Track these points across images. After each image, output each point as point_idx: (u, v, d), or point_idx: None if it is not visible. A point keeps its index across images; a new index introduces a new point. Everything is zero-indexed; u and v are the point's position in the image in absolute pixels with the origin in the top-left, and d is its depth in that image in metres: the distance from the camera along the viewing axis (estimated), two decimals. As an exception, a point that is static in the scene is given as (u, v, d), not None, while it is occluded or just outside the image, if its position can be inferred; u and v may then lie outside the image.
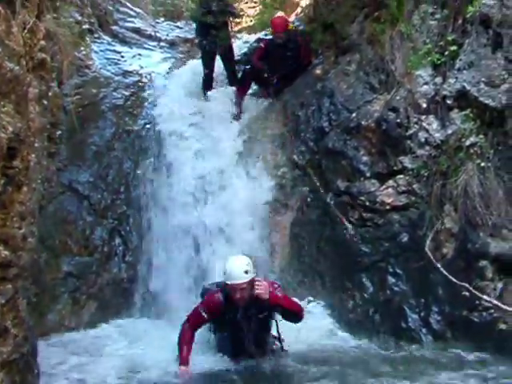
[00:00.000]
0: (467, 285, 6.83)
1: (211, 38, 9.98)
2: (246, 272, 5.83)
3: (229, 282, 5.86)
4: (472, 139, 7.30)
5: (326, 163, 8.26)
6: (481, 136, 7.26)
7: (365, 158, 7.90)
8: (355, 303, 7.50)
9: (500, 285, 6.90)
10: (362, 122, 8.00)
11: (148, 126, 9.26)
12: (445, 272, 6.94)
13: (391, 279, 7.39)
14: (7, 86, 4.36)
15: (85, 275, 7.99)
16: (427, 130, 7.49)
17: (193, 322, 6.09)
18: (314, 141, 8.54)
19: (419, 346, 6.95)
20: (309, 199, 8.28)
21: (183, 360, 6.03)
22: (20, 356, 4.96)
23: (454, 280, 6.85)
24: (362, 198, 7.73)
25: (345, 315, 7.45)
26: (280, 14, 9.97)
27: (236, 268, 5.85)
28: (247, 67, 10.23)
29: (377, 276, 7.49)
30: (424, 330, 7.05)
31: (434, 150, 7.42)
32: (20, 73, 4.64)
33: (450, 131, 7.40)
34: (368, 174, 7.81)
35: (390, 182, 7.63)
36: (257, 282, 5.90)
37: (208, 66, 10.18)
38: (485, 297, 6.76)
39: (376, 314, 7.36)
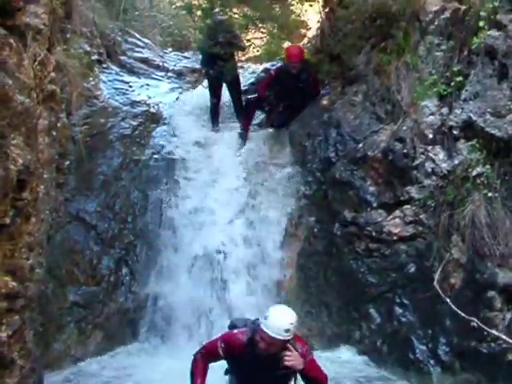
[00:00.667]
0: (475, 319, 6.76)
1: (218, 68, 10.07)
2: (287, 331, 4.83)
3: (264, 329, 4.81)
4: (479, 169, 7.30)
5: (332, 193, 8.28)
6: (487, 166, 7.26)
7: (371, 189, 7.92)
8: (362, 334, 7.47)
9: (509, 315, 6.87)
10: (369, 153, 8.03)
11: (156, 156, 9.29)
12: (453, 306, 6.86)
13: (398, 310, 7.37)
14: (18, 118, 4.41)
15: (91, 305, 7.98)
16: (434, 161, 7.50)
17: (206, 353, 5.23)
18: (321, 171, 8.58)
19: (428, 377, 6.92)
20: (315, 230, 8.30)
21: None
22: (26, 387, 4.96)
23: (462, 314, 6.79)
24: (369, 229, 7.73)
25: (352, 346, 7.42)
26: (295, 44, 10.08)
27: (280, 321, 4.84)
28: (250, 97, 10.26)
29: (384, 307, 7.47)
30: (432, 362, 7.02)
31: (441, 180, 7.43)
32: (30, 105, 4.70)
33: (456, 161, 7.41)
34: (375, 205, 7.83)
35: (397, 213, 7.63)
36: (288, 352, 4.86)
37: (215, 95, 10.26)
38: (493, 331, 6.69)
39: (384, 344, 7.33)
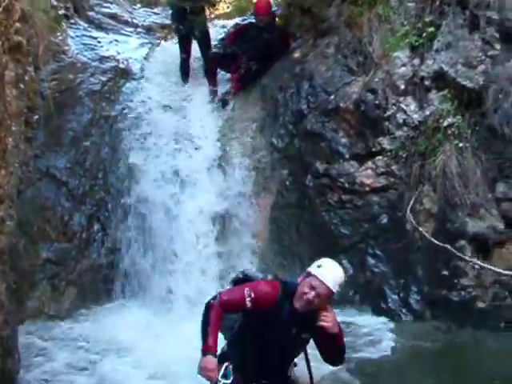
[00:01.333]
0: (448, 245, 6.90)
1: (188, 23, 9.91)
2: (340, 285, 4.54)
3: (320, 278, 4.39)
4: (450, 120, 7.36)
5: (304, 146, 8.25)
6: (458, 117, 7.33)
7: (343, 140, 7.91)
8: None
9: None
10: (341, 104, 8.00)
11: (125, 111, 9.17)
12: (427, 235, 6.99)
13: (371, 260, 7.46)
14: (-17, 66, 4.31)
15: (64, 261, 7.92)
16: (405, 112, 7.53)
17: (227, 302, 4.53)
18: (293, 124, 8.52)
19: (399, 325, 7.04)
20: (288, 182, 8.28)
21: (209, 348, 4.42)
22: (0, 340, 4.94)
23: (436, 242, 6.92)
24: (341, 180, 7.75)
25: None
26: None
27: (336, 272, 4.56)
28: (214, 52, 10.08)
29: (356, 257, 7.55)
30: (404, 310, 7.17)
31: (412, 131, 7.47)
32: (-4, 53, 4.60)
33: (427, 112, 7.45)
34: (347, 156, 7.83)
35: (369, 164, 7.67)
36: (325, 312, 4.47)
37: (185, 50, 10.12)
38: (474, 261, 6.87)
39: (356, 294, 7.41)
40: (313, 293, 4.36)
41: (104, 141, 8.77)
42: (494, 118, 7.19)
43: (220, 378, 4.45)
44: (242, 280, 4.83)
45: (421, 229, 7.14)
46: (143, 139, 8.81)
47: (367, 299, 7.34)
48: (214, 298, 4.53)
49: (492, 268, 6.77)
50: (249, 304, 4.41)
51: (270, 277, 4.93)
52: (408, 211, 7.28)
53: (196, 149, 8.83)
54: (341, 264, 7.33)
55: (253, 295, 4.42)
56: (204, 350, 4.39)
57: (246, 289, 4.46)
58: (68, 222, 8.14)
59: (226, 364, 4.55)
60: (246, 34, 9.74)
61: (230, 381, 4.50)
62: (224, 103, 9.50)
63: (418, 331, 6.87)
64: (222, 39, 10.54)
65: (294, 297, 4.46)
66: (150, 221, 8.20)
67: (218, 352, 4.50)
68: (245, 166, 8.56)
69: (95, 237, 8.20)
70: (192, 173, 8.55)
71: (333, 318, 4.48)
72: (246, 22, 10.44)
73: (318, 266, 4.47)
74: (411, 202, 7.29)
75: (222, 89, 9.79)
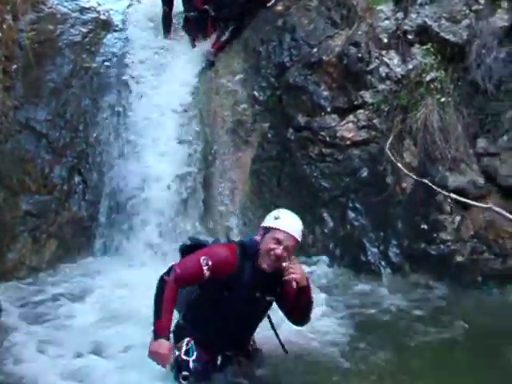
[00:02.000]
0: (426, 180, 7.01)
1: None
2: (302, 234, 4.38)
3: (282, 228, 4.20)
4: (432, 74, 7.35)
5: (286, 99, 8.18)
6: (441, 71, 7.32)
7: (325, 93, 7.86)
8: (315, 238, 7.57)
9: (458, 218, 7.05)
10: (324, 57, 7.93)
11: (107, 63, 9.05)
12: (405, 170, 7.15)
13: (351, 214, 7.48)
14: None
15: (44, 214, 7.87)
16: (388, 65, 7.50)
17: (183, 276, 4.18)
18: (275, 76, 8.44)
19: (378, 278, 7.10)
20: (269, 135, 8.25)
21: (162, 330, 4.15)
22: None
23: (414, 177, 7.00)
24: (323, 133, 7.72)
25: (305, 250, 7.51)
26: None
27: (295, 220, 4.39)
28: (188, 14, 9.73)
29: (337, 211, 7.57)
30: (383, 263, 7.21)
31: (395, 84, 7.46)
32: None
33: (410, 66, 7.43)
34: (329, 109, 7.79)
35: (351, 117, 7.65)
36: (293, 264, 4.30)
37: (167, 2, 9.95)
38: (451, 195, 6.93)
39: (336, 248, 7.46)
40: (280, 247, 4.19)
41: (85, 92, 8.68)
42: (477, 73, 7.20)
43: (183, 356, 4.27)
44: (192, 247, 4.52)
45: (399, 165, 7.16)
46: (124, 92, 8.71)
47: (347, 252, 7.38)
48: (168, 272, 4.20)
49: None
50: (207, 274, 4.13)
51: (222, 240, 4.75)
52: (387, 147, 7.29)
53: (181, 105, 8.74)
54: (321, 218, 7.54)
55: (210, 263, 4.12)
56: (156, 332, 4.12)
57: (202, 257, 4.14)
58: (48, 175, 8.08)
59: (186, 340, 4.35)
60: None
61: (193, 357, 4.28)
62: (209, 64, 9.18)
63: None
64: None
65: (258, 257, 4.26)
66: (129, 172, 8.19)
67: (172, 329, 4.31)
68: (226, 119, 8.50)
69: (76, 189, 8.15)
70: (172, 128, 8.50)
71: (300, 271, 4.32)
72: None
73: (276, 218, 4.30)
74: (390, 138, 7.30)
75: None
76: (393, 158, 7.20)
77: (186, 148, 8.33)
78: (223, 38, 9.25)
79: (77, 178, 8.19)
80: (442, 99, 7.21)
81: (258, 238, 4.36)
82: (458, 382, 4.92)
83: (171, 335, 4.32)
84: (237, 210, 7.98)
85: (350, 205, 7.50)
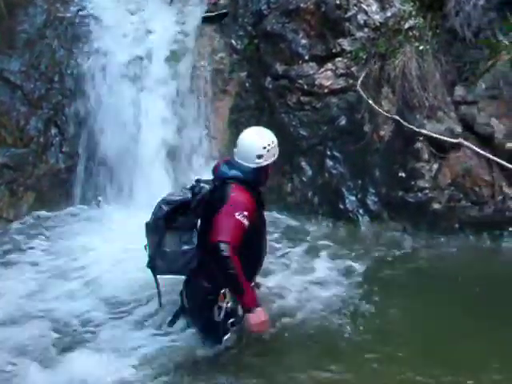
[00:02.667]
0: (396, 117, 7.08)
1: None
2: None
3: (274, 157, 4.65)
4: (411, 22, 7.33)
5: (264, 47, 8.07)
6: (420, 18, 7.29)
7: (303, 41, 7.77)
8: (294, 186, 7.59)
9: (435, 166, 7.10)
10: (301, 5, 7.81)
11: (81, 13, 8.85)
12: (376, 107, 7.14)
13: (329, 162, 7.48)
14: None
15: (21, 166, 7.84)
16: (366, 12, 7.45)
17: (236, 241, 4.22)
18: (252, 25, 8.32)
19: (356, 226, 7.17)
20: (247, 84, 8.18)
21: (253, 301, 4.34)
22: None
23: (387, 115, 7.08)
24: (301, 82, 7.66)
25: (283, 199, 7.55)
26: None
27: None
28: None
29: (315, 159, 7.57)
30: (361, 211, 7.26)
31: (373, 32, 7.42)
32: None
33: (389, 13, 7.40)
34: (307, 57, 7.71)
35: (329, 65, 7.60)
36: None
37: None
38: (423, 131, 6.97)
39: (314, 196, 7.48)
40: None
41: (59, 43, 8.50)
42: (455, 20, 7.18)
43: (229, 305, 4.46)
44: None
45: (370, 101, 7.18)
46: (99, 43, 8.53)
47: (325, 201, 7.41)
48: (222, 249, 4.16)
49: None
50: (247, 223, 4.26)
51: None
52: (359, 84, 7.30)
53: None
54: (299, 166, 7.55)
55: (245, 213, 4.26)
56: (249, 305, 4.28)
57: (236, 214, 4.22)
58: (24, 127, 8.01)
59: (223, 290, 4.45)
60: None
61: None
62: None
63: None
64: None
65: (258, 182, 4.62)
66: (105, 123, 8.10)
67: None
68: (204, 67, 8.39)
69: (53, 141, 8.07)
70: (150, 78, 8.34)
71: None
72: None
73: (264, 148, 4.53)
74: (362, 75, 7.30)
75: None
76: (365, 96, 7.18)
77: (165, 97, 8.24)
78: None
79: (53, 130, 8.11)
80: (421, 47, 7.20)
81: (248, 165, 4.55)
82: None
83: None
84: (215, 160, 7.94)
85: (328, 153, 7.50)
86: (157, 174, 7.83)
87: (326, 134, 7.53)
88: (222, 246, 4.16)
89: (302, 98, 7.66)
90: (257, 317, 4.29)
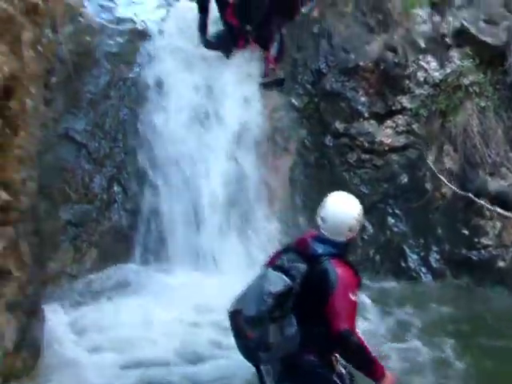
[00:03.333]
0: (471, 195, 6.97)
1: None
2: None
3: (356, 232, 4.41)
4: (471, 78, 7.29)
5: (324, 105, 8.18)
6: (480, 74, 7.25)
7: (363, 99, 7.84)
8: (355, 244, 7.53)
9: (499, 223, 6.97)
10: (360, 63, 7.92)
11: (143, 73, 9.10)
12: (447, 182, 7.03)
13: (391, 220, 7.46)
14: (1, 26, 4.30)
15: (85, 223, 7.97)
16: (426, 70, 7.47)
17: (354, 321, 4.10)
18: (312, 83, 8.43)
19: (419, 284, 7.07)
20: (307, 142, 8.24)
21: (383, 368, 4.13)
22: (24, 298, 5.03)
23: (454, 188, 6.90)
24: (361, 139, 7.72)
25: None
26: None
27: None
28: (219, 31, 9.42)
29: (376, 217, 7.55)
30: (424, 269, 7.19)
31: (433, 89, 7.41)
32: (14, 14, 4.58)
33: (448, 70, 7.38)
34: (366, 115, 7.78)
35: (389, 123, 7.62)
36: None
37: (202, 9, 9.97)
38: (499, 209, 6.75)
39: (376, 254, 7.43)
40: None
41: (123, 103, 8.75)
42: (517, 75, 7.13)
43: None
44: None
45: (441, 177, 7.10)
46: (162, 101, 8.74)
47: (387, 259, 7.35)
48: (348, 337, 3.98)
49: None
50: (356, 299, 4.05)
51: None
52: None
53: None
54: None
55: (355, 290, 4.06)
56: (382, 374, 4.07)
57: (350, 294, 3.98)
58: (89, 184, 8.18)
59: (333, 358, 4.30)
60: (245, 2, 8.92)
61: None
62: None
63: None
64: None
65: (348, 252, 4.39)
66: (170, 181, 8.21)
67: None
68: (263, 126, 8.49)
69: (116, 198, 8.23)
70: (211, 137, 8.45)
71: None
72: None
73: (355, 219, 4.31)
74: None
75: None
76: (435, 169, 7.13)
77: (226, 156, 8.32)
78: (272, 52, 8.81)
79: (116, 188, 8.28)
80: (482, 103, 7.15)
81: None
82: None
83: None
84: (275, 218, 7.98)
85: (390, 211, 7.48)
86: (220, 233, 7.88)
87: (387, 192, 7.52)
88: (347, 333, 3.99)
89: (362, 156, 7.70)
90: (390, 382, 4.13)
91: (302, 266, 4.16)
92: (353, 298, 4.01)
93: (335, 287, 4.01)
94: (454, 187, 7.04)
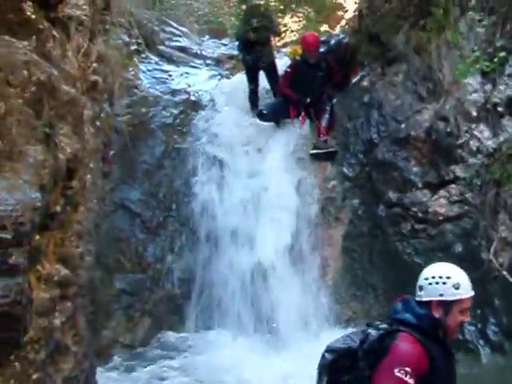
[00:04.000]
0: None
1: (254, 53, 9.98)
2: None
3: (466, 296, 3.52)
4: (524, 146, 7.19)
5: (376, 175, 8.23)
6: (534, 142, 7.15)
7: (415, 169, 7.84)
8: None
9: (560, 293, 6.78)
10: (412, 133, 7.94)
11: (197, 143, 9.31)
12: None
13: (447, 291, 7.29)
14: (64, 108, 4.47)
15: (138, 292, 8.09)
16: (478, 139, 7.39)
17: None
18: (364, 153, 8.54)
19: (477, 357, 6.87)
20: (360, 212, 8.26)
21: None
22: (80, 373, 5.06)
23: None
24: (414, 209, 7.67)
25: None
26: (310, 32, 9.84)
27: (467, 277, 3.72)
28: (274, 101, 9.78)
29: (432, 288, 7.39)
30: (481, 342, 6.98)
31: (486, 158, 7.32)
32: (76, 95, 4.77)
33: (501, 139, 7.29)
34: (419, 185, 7.75)
35: (442, 192, 7.55)
36: None
37: (252, 81, 10.20)
38: None
39: (432, 326, 7.26)
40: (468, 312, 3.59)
41: (177, 173, 8.94)
42: None
43: None
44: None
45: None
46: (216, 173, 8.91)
47: (443, 331, 7.18)
48: None
49: None
50: (412, 382, 3.33)
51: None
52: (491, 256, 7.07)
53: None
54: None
55: (407, 369, 3.35)
56: None
57: (395, 370, 3.36)
58: (142, 253, 8.31)
59: None
60: (300, 74, 9.26)
61: None
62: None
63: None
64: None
65: (443, 332, 3.52)
66: (222, 251, 8.29)
67: None
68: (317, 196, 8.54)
69: (169, 267, 8.32)
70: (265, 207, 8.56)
71: None
72: (292, 62, 9.74)
73: (456, 288, 3.53)
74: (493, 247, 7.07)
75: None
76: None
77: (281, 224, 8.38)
78: (324, 123, 8.99)
79: (170, 257, 8.36)
80: (536, 171, 7.04)
81: (434, 314, 3.54)
82: None
83: None
84: (329, 287, 7.94)
85: (446, 281, 7.32)
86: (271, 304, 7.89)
87: (442, 262, 7.38)
88: None
89: (416, 226, 7.64)
90: None
91: (373, 334, 3.62)
92: (398, 374, 3.33)
93: (385, 358, 3.46)
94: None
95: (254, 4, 10.40)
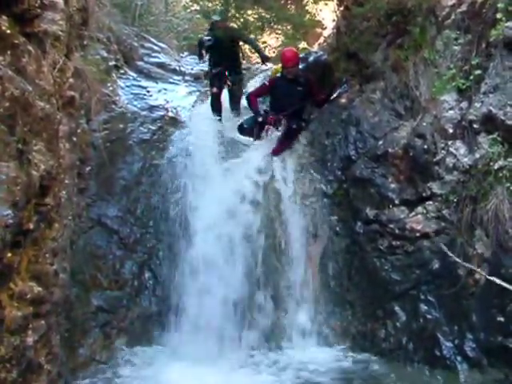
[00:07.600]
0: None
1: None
2: None
3: None
4: (501, 163, 7.22)
5: (354, 192, 8.24)
6: (509, 159, 7.18)
7: (393, 186, 7.87)
8: (387, 332, 7.43)
9: (536, 310, 6.80)
10: (389, 150, 7.98)
11: (174, 159, 9.29)
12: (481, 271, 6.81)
13: (423, 307, 7.32)
14: (39, 124, 4.44)
15: (115, 309, 7.97)
16: (455, 155, 7.44)
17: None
18: (342, 169, 8.56)
19: (454, 374, 6.87)
20: (337, 228, 8.27)
21: None
22: (54, 392, 5.00)
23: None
24: (392, 226, 7.69)
25: (377, 345, 7.38)
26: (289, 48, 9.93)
27: None
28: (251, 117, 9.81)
29: (409, 304, 7.43)
30: (459, 358, 6.96)
31: (463, 174, 7.36)
32: (51, 111, 4.73)
33: (477, 155, 7.33)
34: (397, 202, 7.78)
35: (419, 209, 7.59)
36: None
37: (216, 85, 10.28)
38: None
39: (409, 342, 7.28)
40: None
41: (154, 189, 8.90)
42: (547, 159, 7.08)
43: None
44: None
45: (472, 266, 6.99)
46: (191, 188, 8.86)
47: (420, 347, 7.19)
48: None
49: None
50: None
51: None
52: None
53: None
54: (392, 311, 7.40)
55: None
56: None
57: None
58: (119, 270, 8.23)
59: None
60: (277, 89, 9.46)
61: None
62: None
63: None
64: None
65: None
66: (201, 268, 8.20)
67: None
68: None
69: (146, 284, 8.25)
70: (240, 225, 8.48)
71: None
72: (271, 77, 10.14)
73: None
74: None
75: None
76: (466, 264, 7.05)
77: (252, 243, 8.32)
78: (283, 143, 9.32)
79: (147, 274, 8.30)
80: (512, 187, 7.08)
81: None
82: None
83: None
84: (307, 303, 7.91)
85: (422, 297, 7.35)
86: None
87: (419, 278, 7.42)
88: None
89: (393, 242, 7.65)
90: None
91: None
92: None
93: None
94: (483, 273, 6.93)
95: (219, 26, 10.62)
